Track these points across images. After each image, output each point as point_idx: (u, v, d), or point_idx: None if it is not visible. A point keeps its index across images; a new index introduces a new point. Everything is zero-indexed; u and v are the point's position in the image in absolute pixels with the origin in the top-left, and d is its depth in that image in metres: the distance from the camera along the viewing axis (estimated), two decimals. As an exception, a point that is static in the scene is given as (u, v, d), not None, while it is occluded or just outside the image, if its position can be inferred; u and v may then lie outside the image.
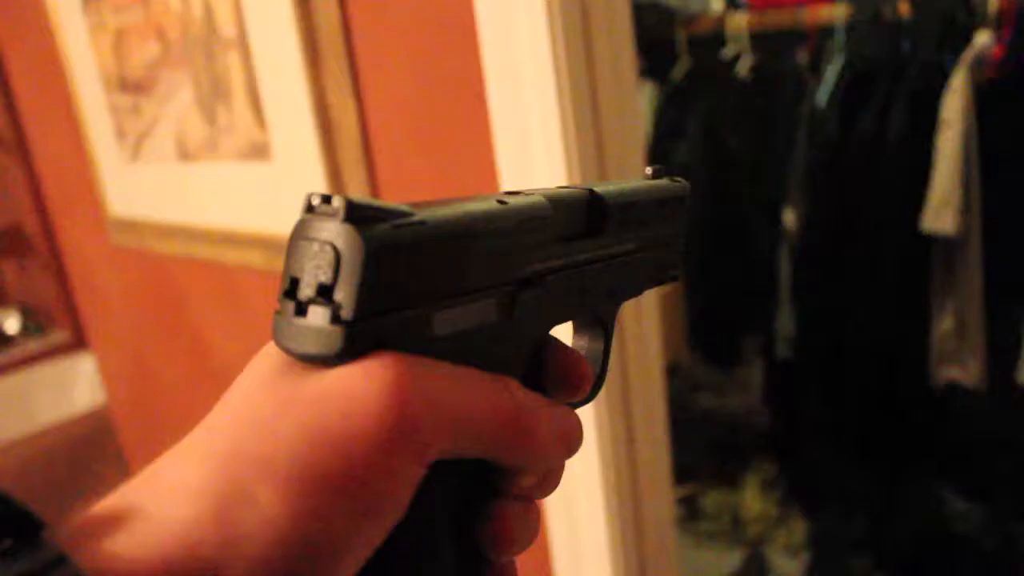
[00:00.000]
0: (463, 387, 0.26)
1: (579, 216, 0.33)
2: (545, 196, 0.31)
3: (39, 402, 2.30)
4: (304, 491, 0.22)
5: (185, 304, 1.55)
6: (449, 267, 0.27)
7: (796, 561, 2.07)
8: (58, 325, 2.47)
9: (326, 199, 0.25)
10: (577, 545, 0.94)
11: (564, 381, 0.32)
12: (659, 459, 0.97)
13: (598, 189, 0.34)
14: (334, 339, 0.24)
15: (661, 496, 0.98)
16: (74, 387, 2.32)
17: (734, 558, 2.10)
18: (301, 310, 0.25)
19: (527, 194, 0.31)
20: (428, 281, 0.26)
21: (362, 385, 0.24)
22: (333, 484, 0.23)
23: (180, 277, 1.53)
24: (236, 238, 1.28)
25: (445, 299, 0.27)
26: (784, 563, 2.07)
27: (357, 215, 0.24)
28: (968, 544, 1.93)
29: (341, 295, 0.24)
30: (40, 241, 2.30)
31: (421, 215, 0.26)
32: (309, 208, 0.25)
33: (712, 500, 2.26)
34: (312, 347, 0.25)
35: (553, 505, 0.94)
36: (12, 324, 2.56)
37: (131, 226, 1.59)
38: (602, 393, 0.87)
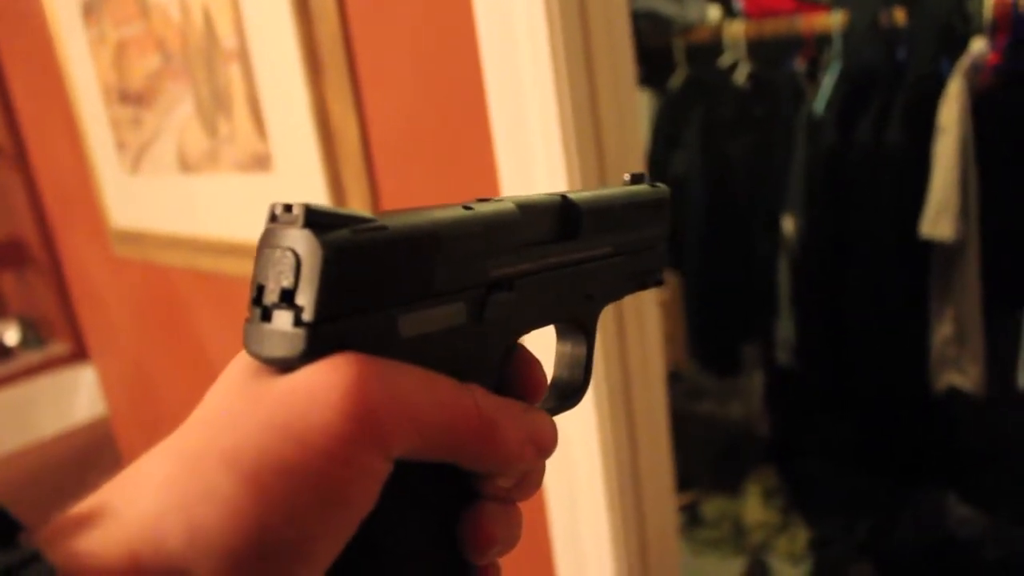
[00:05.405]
0: (424, 387, 0.26)
1: (551, 221, 0.34)
2: (515, 202, 0.32)
3: (40, 414, 2.30)
4: (267, 482, 0.23)
5: (186, 315, 1.55)
6: (413, 271, 0.28)
7: (797, 569, 2.06)
8: (58, 337, 2.47)
9: (287, 208, 0.26)
10: (580, 554, 0.94)
11: (518, 386, 0.32)
12: (661, 467, 0.97)
13: (571, 195, 0.35)
14: (297, 341, 0.25)
15: (664, 504, 0.98)
16: (75, 399, 2.32)
17: (735, 566, 2.10)
18: (267, 315, 0.26)
19: (497, 201, 0.32)
20: (392, 284, 0.27)
21: (324, 379, 0.24)
22: (295, 474, 0.23)
23: (181, 288, 1.53)
24: (237, 249, 1.28)
25: (411, 302, 0.28)
26: (786, 570, 2.07)
27: (315, 220, 0.25)
28: (970, 550, 1.93)
29: (302, 298, 0.25)
30: (40, 253, 2.30)
31: (383, 221, 0.27)
32: (272, 218, 0.26)
33: (713, 508, 2.25)
34: (277, 350, 0.25)
35: (556, 513, 0.94)
36: (11, 336, 2.56)
37: (132, 237, 1.59)
38: (605, 401, 0.88)
